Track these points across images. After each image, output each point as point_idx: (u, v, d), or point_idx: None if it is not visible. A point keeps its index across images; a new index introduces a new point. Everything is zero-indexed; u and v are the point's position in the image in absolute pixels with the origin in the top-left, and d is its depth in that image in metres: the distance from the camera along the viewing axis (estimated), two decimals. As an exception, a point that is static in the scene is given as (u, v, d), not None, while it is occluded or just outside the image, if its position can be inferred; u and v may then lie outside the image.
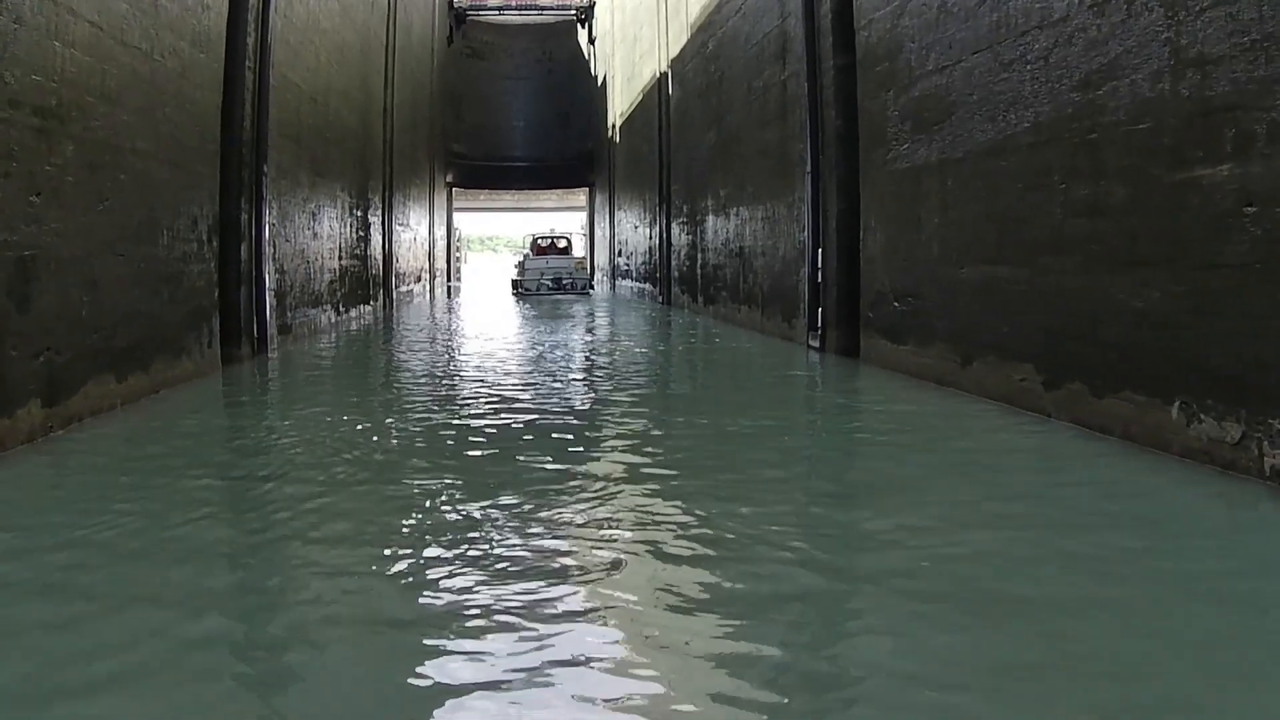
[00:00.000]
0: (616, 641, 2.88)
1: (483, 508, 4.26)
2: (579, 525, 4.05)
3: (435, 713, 2.44)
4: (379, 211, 19.22)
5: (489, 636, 2.86)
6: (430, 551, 3.68)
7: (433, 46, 29.32)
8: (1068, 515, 4.22)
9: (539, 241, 31.93)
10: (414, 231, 25.27)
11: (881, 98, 8.83)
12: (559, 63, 39.40)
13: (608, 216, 33.53)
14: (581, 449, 5.90)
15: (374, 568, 3.56)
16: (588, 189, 40.45)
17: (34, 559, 3.60)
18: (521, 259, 30.48)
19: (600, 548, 3.75)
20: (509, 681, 2.56)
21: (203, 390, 7.97)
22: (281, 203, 11.28)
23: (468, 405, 7.43)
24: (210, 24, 8.76)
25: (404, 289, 22.98)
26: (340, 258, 15.21)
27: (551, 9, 38.80)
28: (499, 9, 38.54)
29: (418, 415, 6.96)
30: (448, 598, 3.18)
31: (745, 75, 13.93)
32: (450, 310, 22.32)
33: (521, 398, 7.71)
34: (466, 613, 3.04)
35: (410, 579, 3.41)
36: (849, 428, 6.69)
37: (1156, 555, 3.67)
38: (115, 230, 6.79)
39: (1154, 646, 2.80)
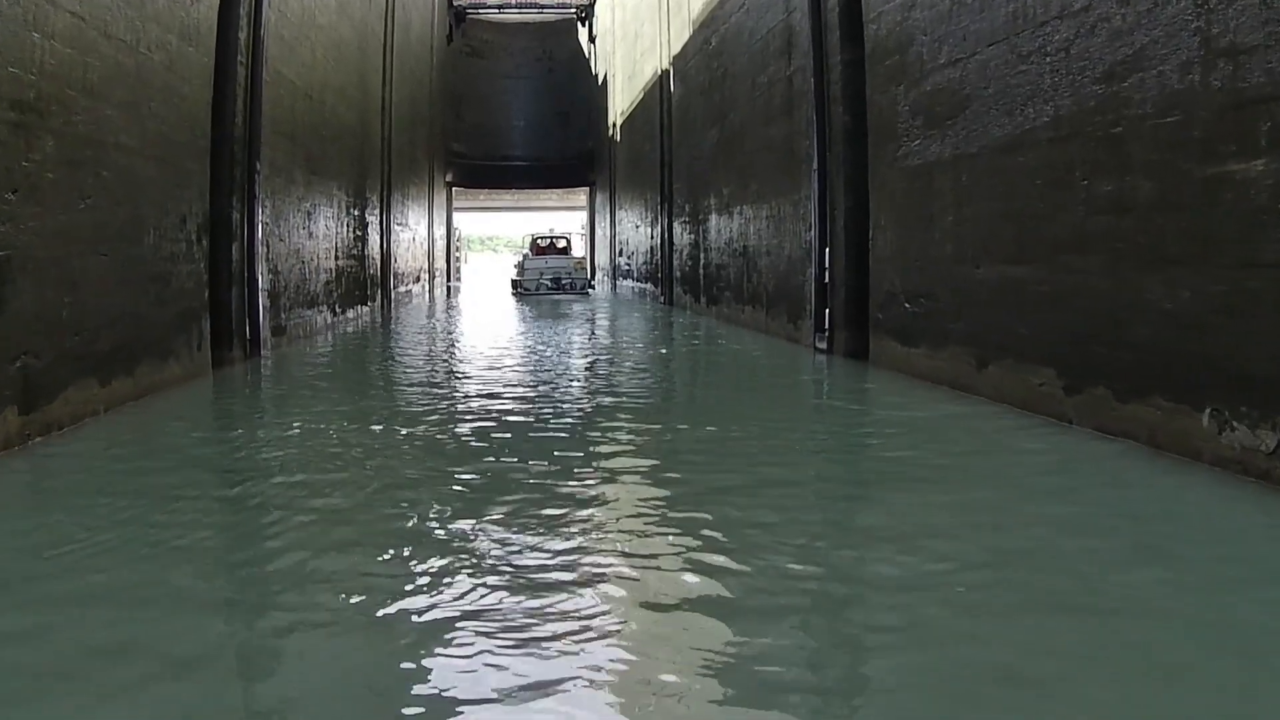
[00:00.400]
0: (620, 656, 2.63)
1: (480, 531, 3.99)
2: (580, 550, 3.79)
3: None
4: (377, 211, 18.96)
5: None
6: (427, 590, 3.28)
7: (432, 45, 29.06)
8: (1099, 535, 3.95)
9: (538, 241, 31.81)
10: (413, 231, 25.01)
11: (891, 92, 8.56)
12: (559, 61, 39.18)
13: (608, 216, 33.30)
14: (582, 463, 5.53)
15: (365, 610, 3.15)
16: (588, 188, 40.24)
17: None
18: (521, 259, 30.40)
19: (603, 577, 3.49)
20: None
21: (191, 395, 7.71)
22: (275, 201, 11.02)
23: (465, 412, 7.16)
24: (200, 17, 8.51)
25: (403, 289, 22.72)
26: (337, 257, 14.95)
27: (552, 7, 38.58)
28: (499, 7, 38.31)
29: (414, 422, 6.70)
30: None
31: (749, 71, 13.67)
32: (450, 311, 22.06)
33: (521, 404, 7.44)
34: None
35: (408, 639, 2.91)
36: (864, 437, 6.36)
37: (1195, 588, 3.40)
38: (98, 229, 6.54)
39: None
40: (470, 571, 3.41)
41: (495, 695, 2.45)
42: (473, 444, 5.91)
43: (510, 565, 3.49)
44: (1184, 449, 5.10)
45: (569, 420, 6.76)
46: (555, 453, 5.57)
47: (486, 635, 2.84)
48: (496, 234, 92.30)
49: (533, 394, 8.00)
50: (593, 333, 15.37)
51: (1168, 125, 5.30)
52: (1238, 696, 2.49)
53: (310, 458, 5.41)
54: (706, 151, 16.87)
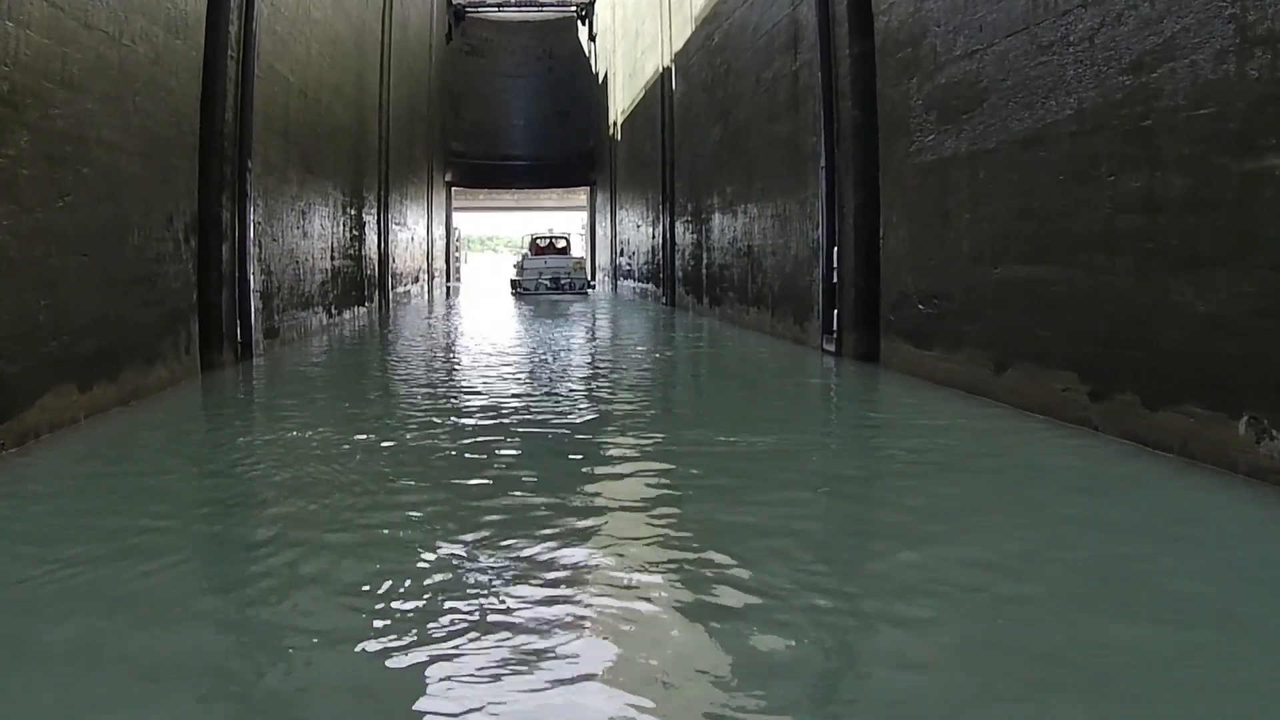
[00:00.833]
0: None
1: (477, 550, 3.71)
2: (582, 573, 3.51)
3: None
4: (374, 210, 18.68)
5: None
6: (424, 625, 2.97)
7: (431, 43, 28.79)
8: (1137, 560, 3.66)
9: (538, 241, 31.75)
10: (411, 231, 24.73)
11: (903, 86, 8.28)
12: (559, 60, 38.93)
13: (609, 216, 33.05)
14: (585, 476, 5.23)
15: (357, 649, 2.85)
16: (588, 188, 40.00)
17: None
18: (520, 259, 30.40)
19: (609, 606, 3.21)
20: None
21: (177, 400, 7.41)
22: (268, 200, 10.74)
23: (463, 419, 6.88)
24: (188, 9, 8.22)
25: (401, 289, 22.44)
26: (333, 258, 14.66)
27: (552, 5, 38.35)
28: (498, 6, 38.08)
29: (410, 430, 6.42)
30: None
31: (753, 67, 13.39)
32: (449, 311, 21.77)
33: (520, 411, 7.14)
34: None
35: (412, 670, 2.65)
36: (881, 445, 6.04)
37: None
38: (78, 228, 6.25)
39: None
40: (456, 619, 3.08)
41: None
42: (469, 458, 5.61)
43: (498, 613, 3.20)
44: (1219, 459, 4.83)
45: (569, 432, 6.46)
46: (553, 471, 5.23)
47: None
48: (497, 234, 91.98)
49: (532, 401, 7.71)
50: (594, 335, 15.08)
51: (1201, 118, 5.02)
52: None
53: (297, 476, 4.98)
54: (709, 149, 16.59)
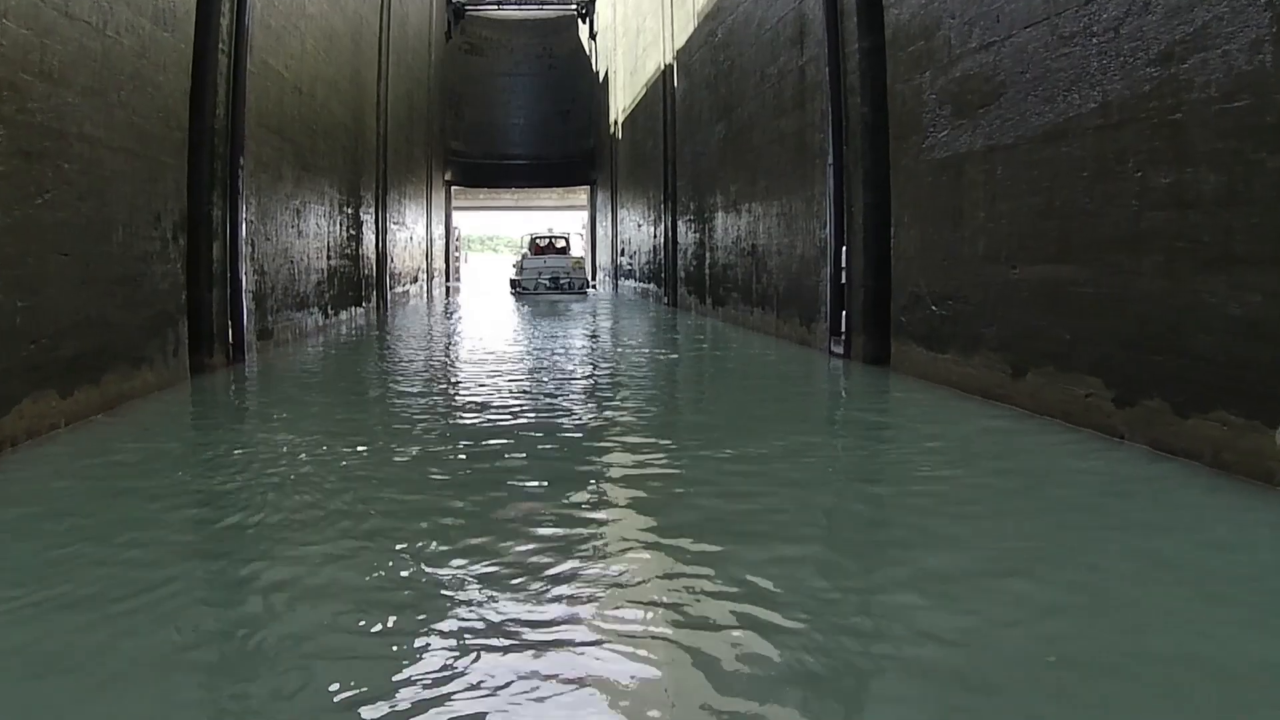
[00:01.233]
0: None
1: (472, 575, 3.46)
2: (586, 600, 3.25)
3: None
4: (372, 209, 18.42)
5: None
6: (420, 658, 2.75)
7: (430, 41, 28.52)
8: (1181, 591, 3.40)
9: (537, 241, 31.72)
10: (410, 230, 24.46)
11: (916, 80, 8.02)
12: (559, 58, 38.68)
13: (610, 215, 32.82)
14: (587, 490, 4.93)
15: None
16: (589, 187, 39.77)
17: None
18: (520, 258, 30.40)
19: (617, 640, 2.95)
20: None
21: (163, 405, 7.13)
22: (261, 198, 10.47)
23: (459, 426, 6.62)
24: (176, 1, 7.95)
25: (399, 289, 22.17)
26: (329, 257, 14.39)
27: (552, 3, 38.11)
28: (498, 3, 37.83)
29: (404, 439, 6.16)
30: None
31: (758, 62, 13.13)
32: (448, 312, 21.49)
33: (519, 418, 6.86)
34: None
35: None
36: (899, 456, 5.72)
37: None
38: (58, 227, 5.99)
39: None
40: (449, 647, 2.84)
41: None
42: (464, 471, 5.36)
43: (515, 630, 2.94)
44: (1253, 470, 4.58)
45: (571, 440, 6.20)
46: (553, 485, 4.91)
47: None
48: (497, 234, 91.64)
49: (532, 407, 7.43)
50: (595, 337, 14.80)
51: (1235, 110, 4.77)
52: None
53: (282, 498, 4.56)
54: (712, 147, 16.33)
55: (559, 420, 6.76)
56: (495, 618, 3.00)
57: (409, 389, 8.64)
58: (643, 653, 2.76)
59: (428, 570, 3.47)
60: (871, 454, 5.87)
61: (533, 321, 17.58)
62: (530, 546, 3.75)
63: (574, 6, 37.26)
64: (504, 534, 3.95)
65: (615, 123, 29.66)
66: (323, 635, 2.91)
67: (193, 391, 7.88)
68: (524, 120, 38.87)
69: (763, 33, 12.86)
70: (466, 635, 2.87)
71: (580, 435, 6.28)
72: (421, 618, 3.02)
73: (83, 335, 6.32)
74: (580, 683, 2.55)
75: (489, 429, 6.37)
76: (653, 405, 7.82)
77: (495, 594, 3.21)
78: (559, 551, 3.70)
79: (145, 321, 7.37)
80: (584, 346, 12.88)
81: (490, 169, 38.41)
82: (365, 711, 2.39)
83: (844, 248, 9.38)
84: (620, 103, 28.71)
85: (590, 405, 7.54)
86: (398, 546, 3.78)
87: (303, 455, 5.47)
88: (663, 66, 20.74)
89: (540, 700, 2.45)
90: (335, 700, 2.47)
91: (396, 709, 2.41)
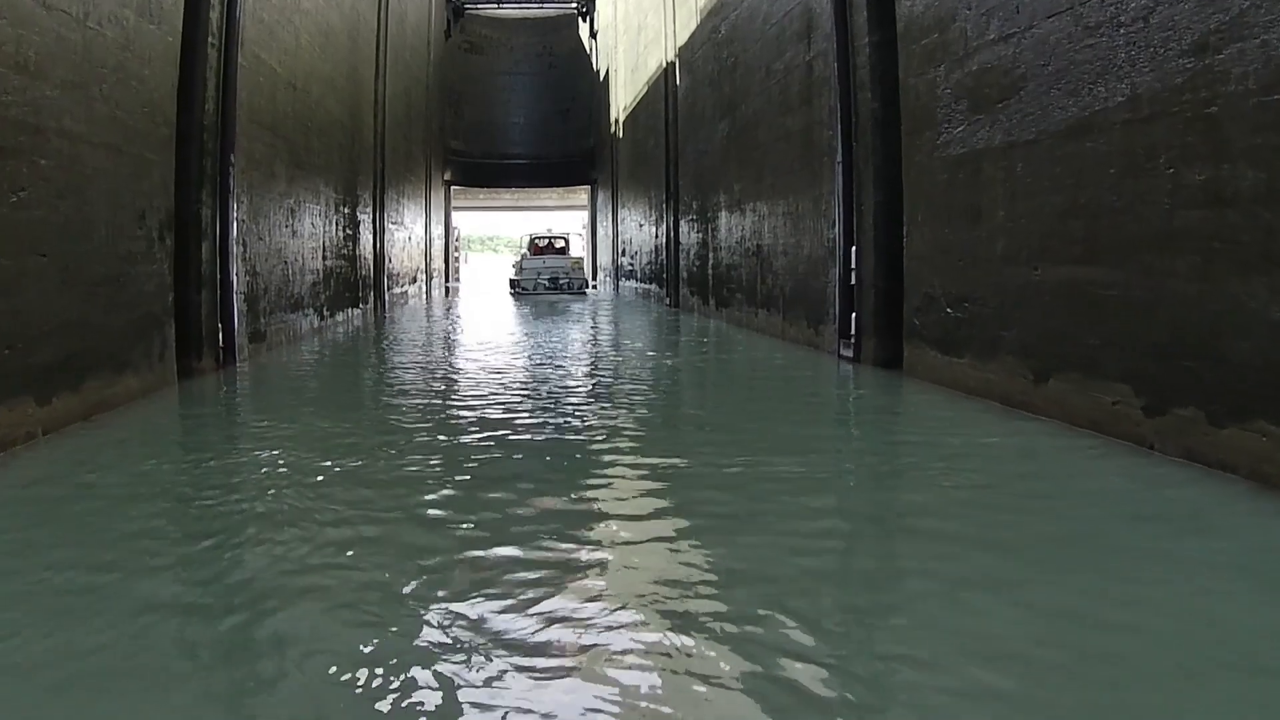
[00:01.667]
0: None
1: (467, 608, 3.17)
2: (589, 632, 2.97)
3: None
4: (369, 209, 18.13)
5: None
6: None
7: (429, 39, 28.24)
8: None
9: (536, 241, 31.70)
10: (409, 230, 24.17)
11: (929, 74, 7.73)
12: (560, 57, 38.43)
13: (610, 215, 32.57)
14: (589, 509, 4.59)
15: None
16: (589, 187, 39.52)
17: None
18: (519, 259, 30.36)
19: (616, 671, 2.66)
20: None
21: (146, 413, 6.81)
22: (253, 196, 10.18)
23: (456, 435, 6.33)
24: (163, -8, 7.68)
25: (398, 290, 21.89)
26: (325, 258, 14.11)
27: (552, 2, 37.85)
28: (498, 2, 37.55)
29: (398, 447, 5.87)
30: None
31: (763, 58, 12.84)
32: (447, 312, 21.19)
33: (519, 426, 6.56)
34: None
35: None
36: (921, 470, 5.29)
37: None
38: (34, 226, 5.71)
39: None
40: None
41: None
42: (458, 484, 5.07)
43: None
44: (1298, 483, 4.30)
45: (572, 448, 5.92)
46: (551, 500, 4.60)
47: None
48: (497, 234, 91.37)
49: (531, 414, 7.15)
50: (596, 339, 14.50)
51: (1276, 104, 4.49)
52: None
53: (267, 525, 4.14)
54: (716, 145, 16.04)
55: (562, 435, 6.46)
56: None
57: (407, 394, 8.33)
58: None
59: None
60: (889, 468, 5.56)
61: (533, 323, 17.28)
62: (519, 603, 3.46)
63: (574, 5, 37.01)
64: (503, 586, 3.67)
65: (616, 121, 29.40)
66: None
67: (179, 397, 7.58)
68: (524, 119, 38.63)
69: (768, 28, 12.57)
70: None
71: (581, 450, 5.99)
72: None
73: (62, 339, 6.03)
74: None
75: (489, 443, 6.08)
76: (661, 413, 7.49)
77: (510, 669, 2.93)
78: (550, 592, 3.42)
79: (129, 324, 7.08)
80: (585, 350, 12.59)
81: (490, 169, 38.18)
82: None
83: (854, 247, 9.09)
84: (621, 101, 28.44)
85: (593, 412, 7.23)
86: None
87: (293, 474, 5.18)
88: (664, 64, 20.46)
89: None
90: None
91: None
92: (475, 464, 5.35)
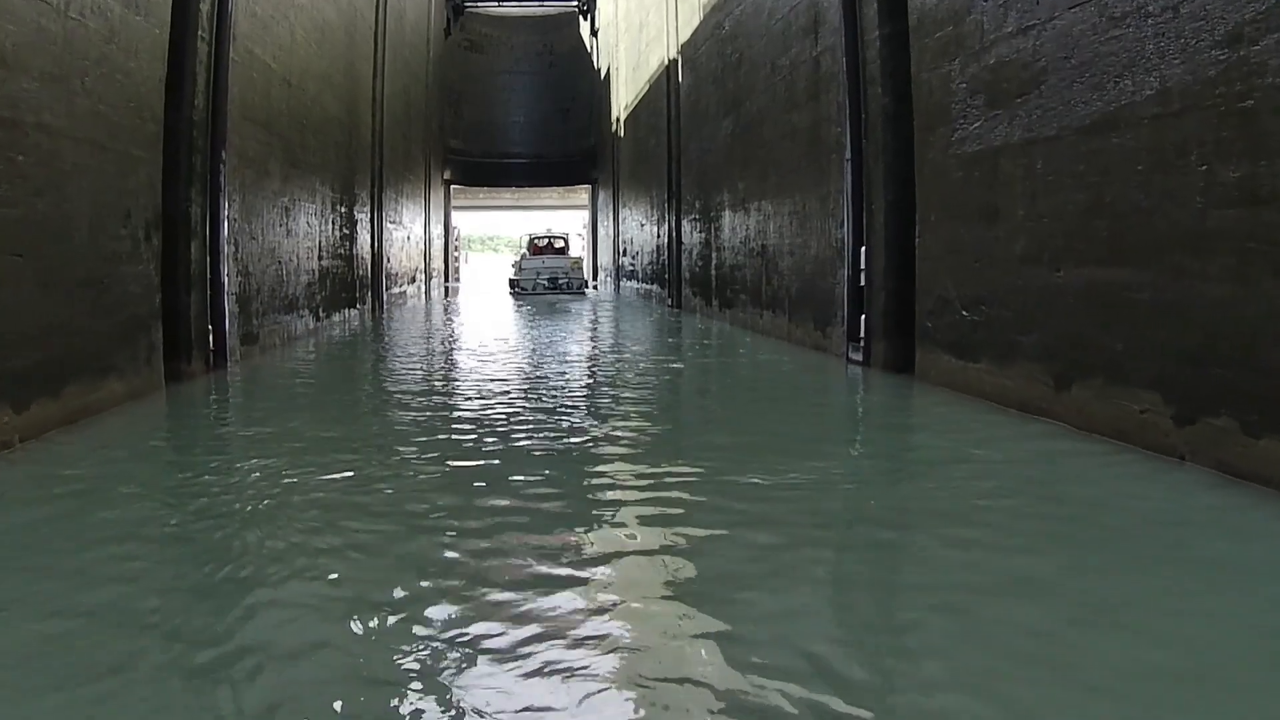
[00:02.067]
0: None
1: (462, 635, 2.92)
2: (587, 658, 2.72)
3: None
4: (367, 208, 17.88)
5: None
6: None
7: (428, 37, 27.98)
8: None
9: (536, 241, 31.72)
10: (408, 230, 23.91)
11: (943, 69, 7.47)
12: (560, 56, 38.20)
13: (611, 215, 32.32)
14: (590, 524, 4.33)
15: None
16: (590, 186, 39.31)
17: None
18: (519, 258, 30.32)
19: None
20: None
21: (132, 419, 6.54)
22: (246, 194, 9.93)
23: (454, 442, 6.08)
24: (151, -17, 7.42)
25: (396, 290, 21.63)
26: (321, 258, 13.85)
27: (553, 0, 37.55)
28: (498, 0, 37.26)
29: (394, 455, 5.62)
30: None
31: (768, 54, 12.58)
32: (446, 313, 20.93)
33: (518, 434, 6.30)
34: None
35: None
36: (956, 487, 4.87)
37: None
38: (10, 225, 5.45)
39: None
40: None
41: None
42: (454, 496, 4.82)
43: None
44: (1343, 498, 4.05)
45: (572, 460, 5.65)
46: (548, 517, 4.34)
47: None
48: (497, 234, 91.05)
49: (531, 420, 6.89)
50: (597, 341, 14.24)
51: (1318, 96, 4.24)
52: None
53: (252, 547, 3.83)
54: (719, 143, 15.79)
55: (564, 439, 6.20)
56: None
57: (404, 398, 8.05)
58: None
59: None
60: (909, 485, 5.30)
61: (533, 324, 17.02)
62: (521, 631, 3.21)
63: (575, 3, 36.80)
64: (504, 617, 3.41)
65: (617, 120, 29.17)
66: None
67: (167, 403, 7.32)
68: (524, 118, 38.41)
69: (773, 23, 12.32)
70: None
71: (582, 462, 5.73)
72: None
73: (40, 343, 5.78)
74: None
75: (488, 452, 5.82)
76: (665, 424, 7.20)
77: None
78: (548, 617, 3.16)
79: (113, 327, 6.83)
80: (585, 353, 12.32)
81: (490, 168, 37.96)
82: None
83: (863, 248, 8.83)
84: (622, 100, 28.20)
85: (593, 421, 6.96)
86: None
87: (281, 488, 4.92)
88: (666, 61, 20.21)
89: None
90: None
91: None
92: (479, 485, 5.05)
